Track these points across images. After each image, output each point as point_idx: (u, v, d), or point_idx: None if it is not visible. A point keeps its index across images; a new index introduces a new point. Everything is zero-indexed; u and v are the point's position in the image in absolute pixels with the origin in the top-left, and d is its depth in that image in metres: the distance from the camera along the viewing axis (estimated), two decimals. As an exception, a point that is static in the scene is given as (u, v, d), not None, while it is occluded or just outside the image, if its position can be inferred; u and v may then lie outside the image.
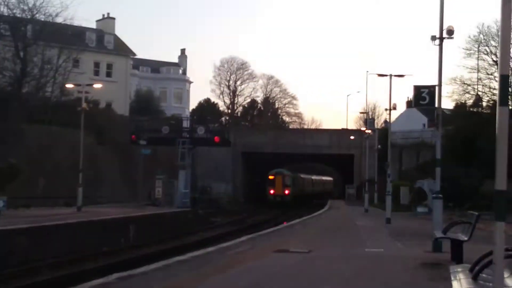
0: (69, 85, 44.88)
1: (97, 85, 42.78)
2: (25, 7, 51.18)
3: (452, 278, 8.88)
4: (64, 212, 33.44)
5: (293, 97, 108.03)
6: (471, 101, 54.74)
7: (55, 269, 21.89)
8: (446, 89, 49.93)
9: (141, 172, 42.63)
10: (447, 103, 56.14)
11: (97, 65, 68.87)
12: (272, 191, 70.61)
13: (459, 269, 9.45)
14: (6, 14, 50.47)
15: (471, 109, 54.95)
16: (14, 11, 50.77)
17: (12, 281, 19.18)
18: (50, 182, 45.33)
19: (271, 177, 71.50)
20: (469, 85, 53.35)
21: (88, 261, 24.23)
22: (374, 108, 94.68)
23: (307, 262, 15.39)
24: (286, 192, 70.87)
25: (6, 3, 50.18)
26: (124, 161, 56.20)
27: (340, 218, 37.45)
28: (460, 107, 56.68)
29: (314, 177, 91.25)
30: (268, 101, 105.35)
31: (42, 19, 52.17)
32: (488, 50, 52.84)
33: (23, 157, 38.46)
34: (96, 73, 67.69)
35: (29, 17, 51.40)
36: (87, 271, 20.73)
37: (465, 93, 54.10)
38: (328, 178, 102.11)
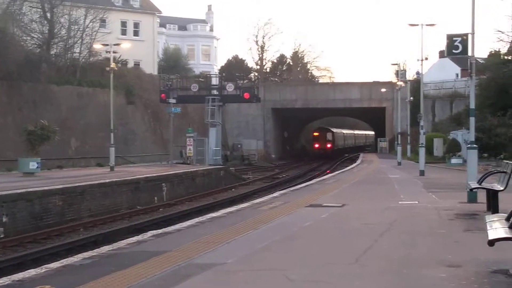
0: (96, 45, 44.85)
1: (125, 45, 42.65)
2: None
3: (488, 228, 8.65)
4: (97, 172, 33.73)
5: (322, 51, 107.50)
6: (506, 48, 53.37)
7: (91, 228, 22.17)
8: (480, 38, 48.85)
9: (172, 131, 42.66)
10: (481, 52, 55.02)
11: (124, 24, 68.57)
12: (316, 145, 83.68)
13: (495, 219, 9.20)
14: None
15: (505, 57, 53.61)
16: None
17: (48, 241, 19.45)
18: (82, 143, 45.72)
19: (315, 133, 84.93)
20: (503, 32, 52.02)
21: (122, 220, 24.51)
22: (405, 60, 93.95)
23: (340, 216, 15.29)
24: (328, 146, 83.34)
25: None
26: (154, 120, 56.43)
27: (373, 171, 37.22)
28: (494, 55, 55.38)
29: (356, 132, 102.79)
30: (296, 55, 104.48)
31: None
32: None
33: (54, 118, 38.74)
34: (124, 32, 67.46)
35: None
36: (122, 230, 20.96)
37: (499, 41, 52.82)
38: (370, 132, 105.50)
